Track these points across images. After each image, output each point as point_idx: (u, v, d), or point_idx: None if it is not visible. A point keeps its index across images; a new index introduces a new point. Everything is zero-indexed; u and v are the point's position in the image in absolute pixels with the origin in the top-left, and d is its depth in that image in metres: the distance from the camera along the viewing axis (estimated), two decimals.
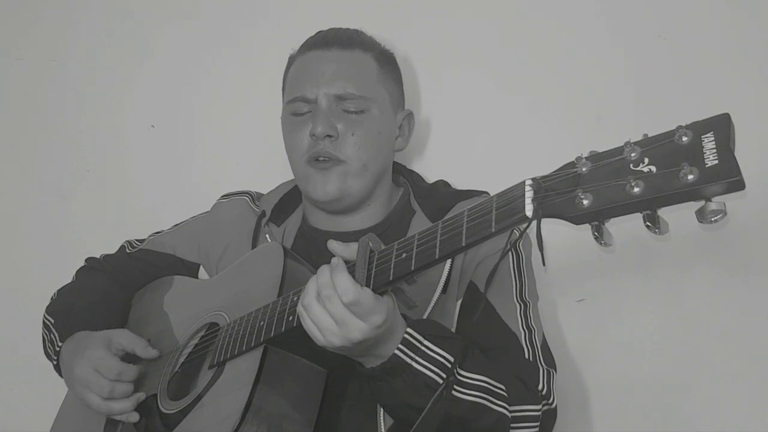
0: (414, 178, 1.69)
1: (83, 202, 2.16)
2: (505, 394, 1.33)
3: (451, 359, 1.26)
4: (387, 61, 1.63)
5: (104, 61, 2.15)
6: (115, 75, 2.14)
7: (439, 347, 1.26)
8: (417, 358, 1.24)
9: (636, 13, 1.76)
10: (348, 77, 1.54)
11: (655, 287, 1.74)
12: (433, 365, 1.25)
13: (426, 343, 1.25)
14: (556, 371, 1.47)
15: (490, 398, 1.30)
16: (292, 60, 1.64)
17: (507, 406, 1.32)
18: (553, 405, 1.42)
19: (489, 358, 1.39)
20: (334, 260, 1.20)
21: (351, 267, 1.20)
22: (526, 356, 1.43)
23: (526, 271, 1.51)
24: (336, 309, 1.17)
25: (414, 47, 1.87)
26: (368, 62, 1.58)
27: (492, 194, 1.56)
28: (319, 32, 1.64)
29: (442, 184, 1.66)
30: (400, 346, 1.23)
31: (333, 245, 1.24)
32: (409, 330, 1.25)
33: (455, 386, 1.26)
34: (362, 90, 1.54)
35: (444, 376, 1.25)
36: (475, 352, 1.34)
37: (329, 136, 1.51)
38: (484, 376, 1.30)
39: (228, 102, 2.05)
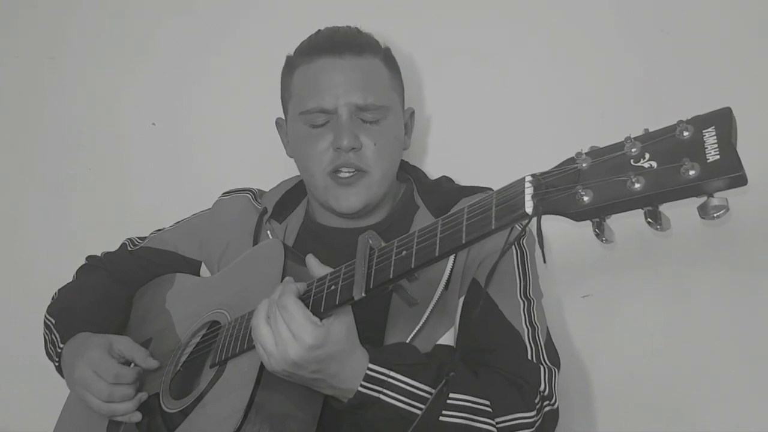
0: (417, 174, 1.68)
1: (84, 201, 2.16)
2: (490, 409, 1.32)
3: (427, 388, 1.26)
4: (391, 61, 1.61)
5: (104, 58, 2.15)
6: (116, 73, 2.14)
7: (409, 377, 1.27)
8: (385, 390, 1.25)
9: (640, 8, 1.75)
10: (367, 86, 1.51)
11: (659, 285, 1.74)
12: (405, 396, 1.25)
13: (392, 374, 1.26)
14: (559, 369, 1.46)
15: (473, 416, 1.30)
16: (293, 64, 1.59)
17: (491, 421, 1.32)
18: (555, 405, 1.41)
19: (490, 357, 1.39)
20: (286, 280, 1.22)
21: (351, 265, 1.20)
22: (529, 356, 1.42)
23: (530, 268, 1.51)
24: (276, 325, 1.19)
25: (415, 43, 1.86)
26: (380, 68, 1.56)
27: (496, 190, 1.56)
28: (318, 32, 1.61)
29: (446, 180, 1.66)
30: (364, 383, 1.24)
31: (310, 261, 1.27)
32: (371, 366, 1.25)
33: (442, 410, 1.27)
34: (381, 99, 1.52)
35: (417, 405, 1.25)
36: (455, 369, 1.32)
37: (354, 148, 1.50)
38: (465, 394, 1.30)
39: (229, 100, 2.05)
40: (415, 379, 1.27)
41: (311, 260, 1.28)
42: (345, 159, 1.50)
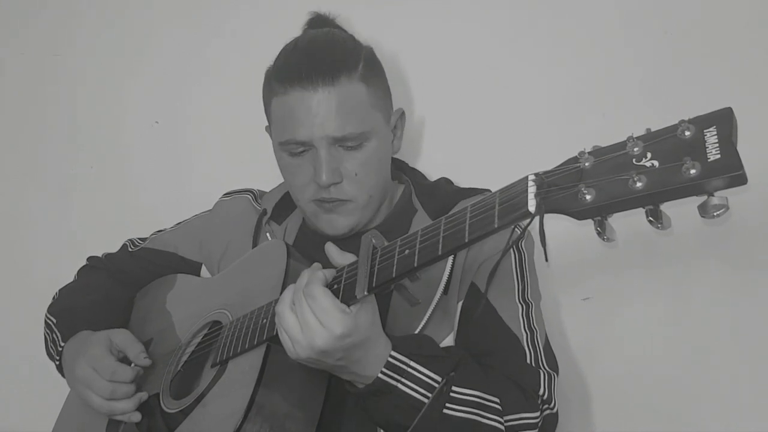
0: (416, 176, 1.67)
1: (85, 200, 2.16)
2: (499, 407, 1.33)
3: (439, 379, 1.26)
4: (371, 72, 1.51)
5: (107, 57, 2.15)
6: (118, 71, 2.14)
7: (426, 368, 1.26)
8: (403, 379, 1.25)
9: (641, 8, 1.75)
10: (343, 116, 1.44)
11: (659, 285, 1.74)
12: (420, 386, 1.25)
13: (412, 364, 1.26)
14: (558, 374, 1.46)
15: (482, 413, 1.30)
16: (271, 90, 1.50)
17: (500, 419, 1.32)
18: (555, 409, 1.41)
19: (489, 362, 1.39)
20: (314, 266, 1.21)
21: (353, 265, 1.21)
22: (528, 360, 1.42)
23: (528, 271, 1.50)
24: (302, 313, 1.18)
25: (409, 41, 1.85)
26: (358, 90, 1.46)
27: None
28: (294, 50, 1.51)
29: (444, 182, 1.65)
30: (384, 370, 1.24)
31: (330, 249, 1.25)
32: (393, 353, 1.25)
33: (446, 403, 1.27)
34: (360, 126, 1.46)
35: (429, 396, 1.25)
36: (467, 365, 1.33)
37: (334, 183, 1.47)
38: (476, 390, 1.30)
39: (231, 100, 2.04)
40: (431, 371, 1.26)
41: (331, 247, 1.25)
42: (326, 193, 1.48)
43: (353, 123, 1.45)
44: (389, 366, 1.24)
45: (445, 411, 1.27)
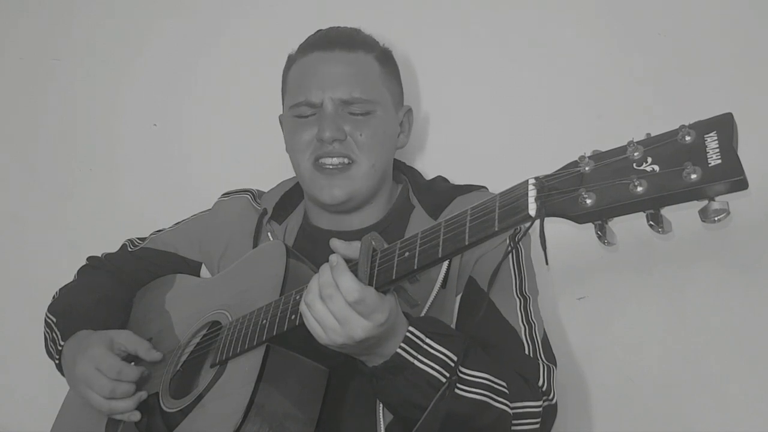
0: (413, 174, 1.69)
1: (85, 201, 2.16)
2: (507, 391, 1.33)
3: (454, 357, 1.27)
4: (387, 60, 1.64)
5: (106, 60, 2.15)
6: (117, 74, 2.14)
7: (440, 345, 1.27)
8: (419, 356, 1.25)
9: (637, 10, 1.75)
10: (353, 81, 1.54)
11: (657, 286, 1.74)
12: (435, 363, 1.25)
13: (428, 341, 1.26)
14: (556, 367, 1.47)
15: (492, 395, 1.31)
16: (292, 60, 1.63)
17: (508, 403, 1.33)
18: (554, 401, 1.43)
19: (489, 354, 1.40)
20: (333, 258, 1.20)
21: (353, 266, 1.21)
22: (527, 352, 1.44)
23: (525, 266, 1.52)
24: (338, 307, 1.18)
25: (414, 44, 1.86)
26: (371, 64, 1.58)
27: (491, 190, 1.56)
28: (318, 31, 1.64)
29: (440, 180, 1.67)
30: (403, 345, 1.24)
31: (335, 243, 1.24)
32: (411, 329, 1.25)
33: (458, 384, 1.27)
34: (367, 93, 1.54)
35: (447, 374, 1.26)
36: (476, 349, 1.34)
37: (337, 140, 1.51)
38: (485, 373, 1.31)
39: (229, 101, 2.05)
40: (445, 348, 1.27)
41: (336, 242, 1.25)
42: (329, 149, 1.52)
43: (362, 88, 1.54)
44: (407, 341, 1.24)
45: (458, 392, 1.27)
